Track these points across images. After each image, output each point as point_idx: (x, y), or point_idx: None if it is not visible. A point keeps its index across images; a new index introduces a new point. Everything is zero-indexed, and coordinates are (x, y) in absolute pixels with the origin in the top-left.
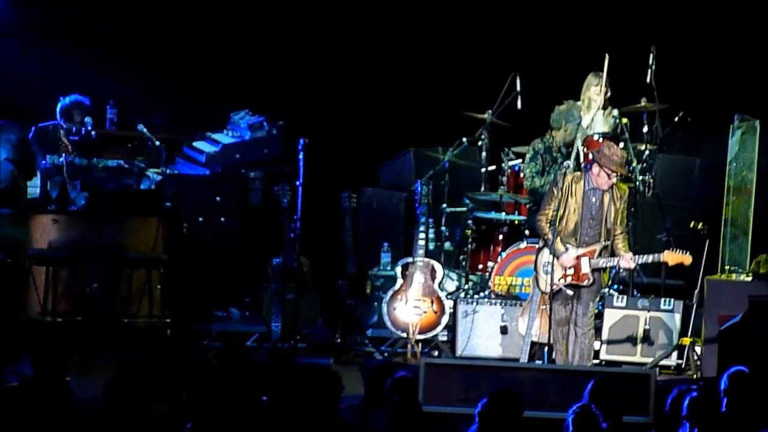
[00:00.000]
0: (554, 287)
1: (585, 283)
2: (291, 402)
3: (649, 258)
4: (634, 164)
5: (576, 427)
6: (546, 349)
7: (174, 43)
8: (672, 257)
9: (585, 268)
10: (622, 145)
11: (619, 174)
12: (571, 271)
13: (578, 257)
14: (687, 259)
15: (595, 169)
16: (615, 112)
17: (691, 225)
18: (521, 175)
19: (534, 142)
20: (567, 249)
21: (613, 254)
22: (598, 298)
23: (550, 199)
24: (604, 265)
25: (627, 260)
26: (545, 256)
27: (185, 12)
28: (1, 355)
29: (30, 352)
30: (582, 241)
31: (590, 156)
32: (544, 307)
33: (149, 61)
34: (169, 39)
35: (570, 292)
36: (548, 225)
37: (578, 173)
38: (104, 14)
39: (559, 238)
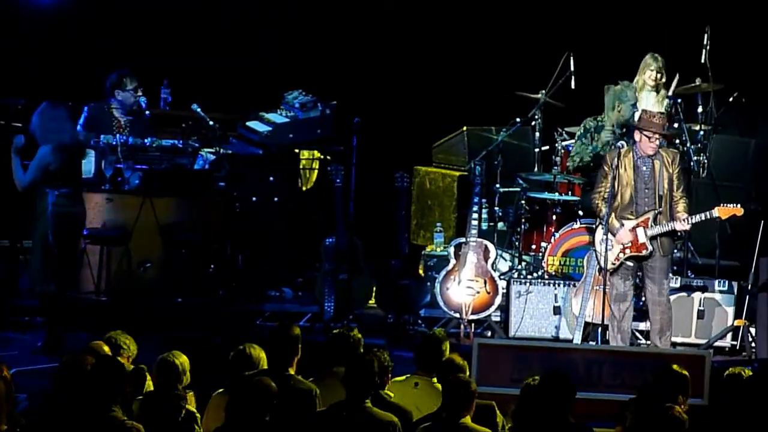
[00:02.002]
0: (614, 263)
1: (644, 252)
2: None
3: (702, 216)
4: (689, 145)
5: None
6: (599, 329)
7: (229, 23)
8: (724, 211)
9: (642, 238)
10: (676, 125)
11: (659, 136)
12: (628, 244)
13: (634, 228)
14: (738, 210)
15: (637, 135)
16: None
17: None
18: (569, 152)
19: (586, 120)
20: (623, 224)
21: (672, 219)
22: (670, 272)
23: (603, 177)
24: (659, 232)
25: (681, 222)
26: (602, 233)
27: None
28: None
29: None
30: (639, 211)
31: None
32: (597, 287)
33: (203, 42)
34: (224, 19)
35: (630, 264)
36: (603, 202)
37: (625, 147)
38: None
39: (614, 214)
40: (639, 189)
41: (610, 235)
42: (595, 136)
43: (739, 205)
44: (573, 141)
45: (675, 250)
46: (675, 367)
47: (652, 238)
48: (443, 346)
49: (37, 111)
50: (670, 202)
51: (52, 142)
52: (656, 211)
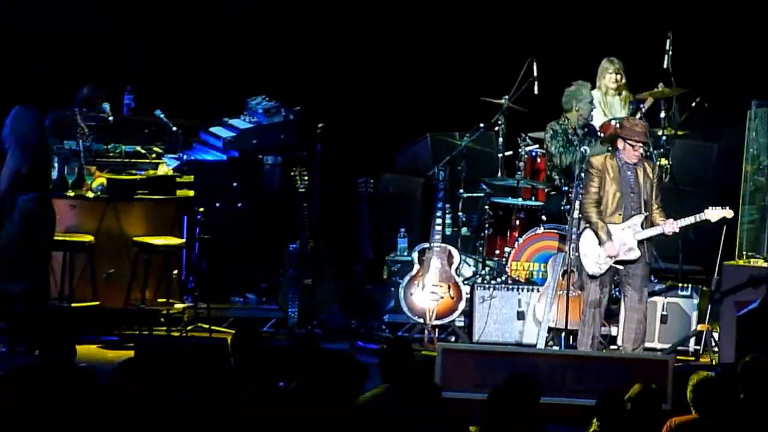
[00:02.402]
0: (601, 267)
1: (632, 256)
2: (314, 388)
3: (692, 219)
4: (652, 150)
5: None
6: (563, 334)
7: (192, 28)
8: (713, 214)
9: (630, 242)
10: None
11: (643, 144)
12: (617, 248)
13: (622, 232)
14: (729, 213)
15: (620, 143)
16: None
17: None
18: (538, 160)
19: (550, 124)
20: (608, 238)
21: (652, 225)
22: (648, 279)
23: (591, 181)
24: (647, 235)
25: (670, 225)
26: (589, 237)
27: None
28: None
29: (44, 336)
30: (626, 215)
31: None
32: (561, 292)
33: (167, 47)
34: (187, 24)
35: (621, 267)
36: (594, 208)
37: (608, 153)
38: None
39: (606, 226)
40: (625, 193)
41: (598, 243)
42: (564, 138)
43: (728, 208)
44: (537, 146)
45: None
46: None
47: (640, 242)
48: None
49: (10, 116)
50: (650, 210)
51: (23, 146)
52: (644, 215)
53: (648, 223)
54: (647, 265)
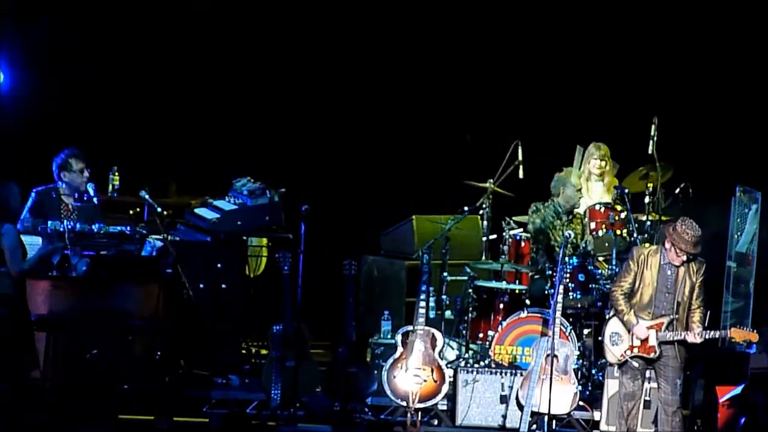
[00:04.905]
0: (620, 359)
1: (651, 355)
2: None
3: (717, 333)
4: (636, 235)
5: None
6: (545, 418)
7: (177, 108)
8: (739, 334)
9: (652, 341)
10: (623, 214)
11: (688, 253)
12: (637, 343)
13: (648, 329)
14: (754, 336)
15: (668, 244)
16: (615, 182)
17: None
18: (522, 244)
19: (534, 204)
20: (638, 321)
21: (687, 327)
22: (682, 371)
23: (627, 272)
24: (670, 338)
25: (695, 335)
26: (613, 326)
27: (188, 78)
28: None
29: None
30: (656, 314)
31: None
32: (544, 376)
33: (151, 127)
34: (171, 105)
35: (636, 364)
36: (623, 297)
37: (654, 247)
38: (105, 78)
39: (633, 311)
40: (660, 292)
41: (620, 330)
42: (557, 224)
43: (754, 331)
44: (521, 230)
45: None
46: None
47: (666, 343)
48: None
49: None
50: (687, 310)
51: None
52: (672, 317)
53: (682, 323)
54: (680, 367)
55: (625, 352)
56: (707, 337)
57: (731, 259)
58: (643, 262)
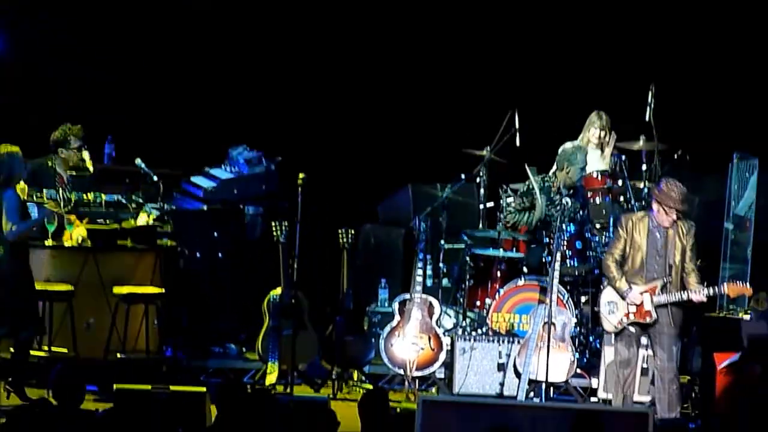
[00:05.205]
0: (617, 327)
1: (647, 320)
2: None
3: (711, 290)
4: (633, 202)
5: None
6: (543, 386)
7: (173, 76)
8: (733, 289)
9: (647, 305)
10: (620, 182)
11: (677, 210)
12: (633, 309)
13: (641, 294)
14: (748, 290)
15: (655, 206)
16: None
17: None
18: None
19: (534, 178)
20: (631, 288)
21: (684, 289)
22: (678, 338)
23: (617, 240)
24: (665, 301)
25: (697, 293)
26: (608, 295)
27: (185, 46)
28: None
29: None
30: (648, 278)
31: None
32: (541, 344)
33: (147, 96)
34: (168, 73)
35: (632, 330)
36: (614, 264)
37: (641, 213)
38: (102, 47)
39: (624, 278)
40: (650, 256)
41: (615, 299)
42: (555, 199)
43: (747, 284)
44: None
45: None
46: None
47: (661, 307)
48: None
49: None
50: (681, 273)
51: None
52: (665, 280)
53: (676, 286)
54: (675, 328)
55: (621, 319)
56: (709, 293)
57: (729, 220)
58: (632, 228)
